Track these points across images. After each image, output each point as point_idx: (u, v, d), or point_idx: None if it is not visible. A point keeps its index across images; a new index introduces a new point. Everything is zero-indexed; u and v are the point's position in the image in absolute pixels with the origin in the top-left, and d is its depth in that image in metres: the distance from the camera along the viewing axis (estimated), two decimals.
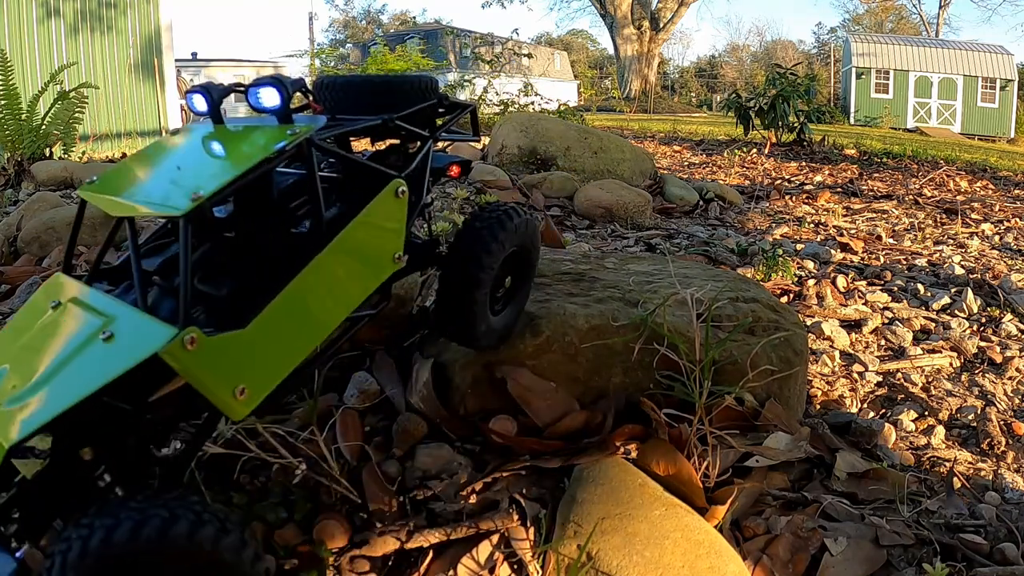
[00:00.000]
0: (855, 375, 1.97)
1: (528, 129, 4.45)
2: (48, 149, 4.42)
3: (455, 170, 1.31)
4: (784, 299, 2.50)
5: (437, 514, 1.18)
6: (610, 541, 1.10)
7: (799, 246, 3.36)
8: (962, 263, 3.09)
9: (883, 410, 1.82)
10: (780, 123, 8.47)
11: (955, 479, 1.45)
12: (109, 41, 8.55)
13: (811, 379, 1.87)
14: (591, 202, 3.58)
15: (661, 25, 27.60)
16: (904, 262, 3.17)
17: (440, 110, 1.27)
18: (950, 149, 10.76)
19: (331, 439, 1.26)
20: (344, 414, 1.33)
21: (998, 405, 1.85)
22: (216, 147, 1.01)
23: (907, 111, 22.68)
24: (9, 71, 4.24)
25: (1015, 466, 1.57)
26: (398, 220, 1.08)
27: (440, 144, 1.32)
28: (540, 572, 1.11)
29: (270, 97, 0.99)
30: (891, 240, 3.70)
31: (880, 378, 1.96)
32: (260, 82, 0.99)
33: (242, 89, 1.03)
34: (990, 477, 1.51)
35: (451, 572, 1.09)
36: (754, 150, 7.63)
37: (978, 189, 6.09)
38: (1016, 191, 6.07)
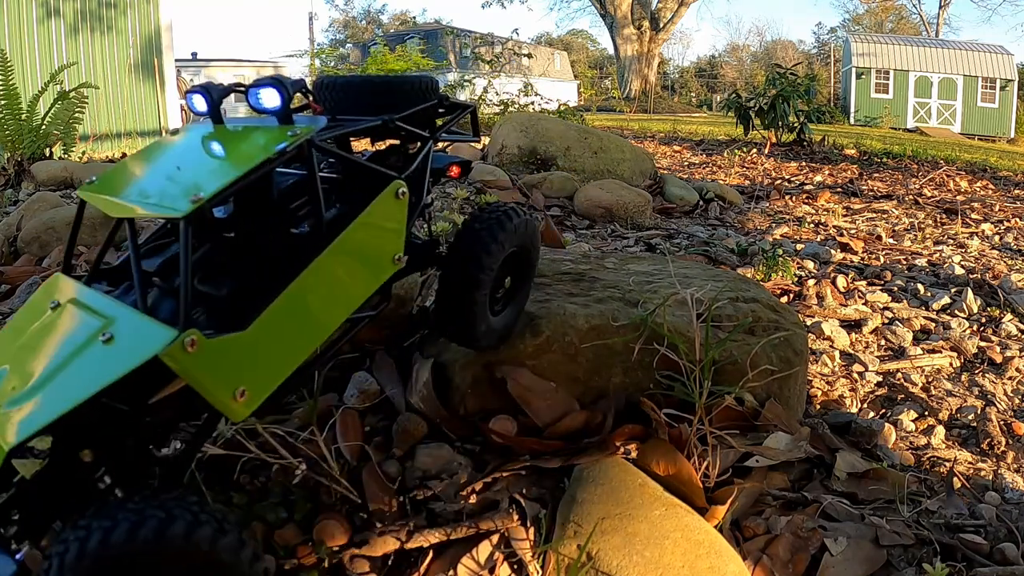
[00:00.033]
0: (855, 375, 1.97)
1: (528, 129, 4.45)
2: (48, 149, 4.42)
3: (455, 170, 1.31)
4: (784, 299, 2.50)
5: (437, 514, 1.18)
6: (610, 541, 1.10)
7: (799, 246, 3.36)
8: (962, 263, 3.09)
9: (883, 410, 1.82)
10: (780, 123, 8.47)
11: (955, 479, 1.45)
12: (109, 41, 8.55)
13: (811, 379, 1.87)
14: (591, 202, 3.58)
15: (661, 25, 27.60)
16: (904, 262, 3.17)
17: (440, 111, 1.27)
18: (950, 149, 10.76)
19: (331, 439, 1.26)
20: (344, 414, 1.33)
21: (998, 405, 1.85)
22: (216, 148, 1.01)
23: (907, 111, 22.68)
24: (9, 71, 4.24)
25: (1015, 466, 1.57)
26: (398, 221, 1.08)
27: (440, 144, 1.32)
28: (540, 572, 1.11)
29: (270, 98, 0.99)
30: (891, 240, 3.70)
31: (880, 378, 1.96)
32: (260, 83, 0.99)
33: (242, 89, 1.03)
34: (990, 477, 1.51)
35: (451, 572, 1.09)
36: (754, 150, 7.63)
37: (978, 189, 6.09)
38: (1016, 191, 6.07)
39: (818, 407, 1.74)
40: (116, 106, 8.54)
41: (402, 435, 1.32)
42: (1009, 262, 3.22)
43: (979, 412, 1.80)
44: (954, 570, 1.17)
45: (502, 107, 9.24)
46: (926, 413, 1.80)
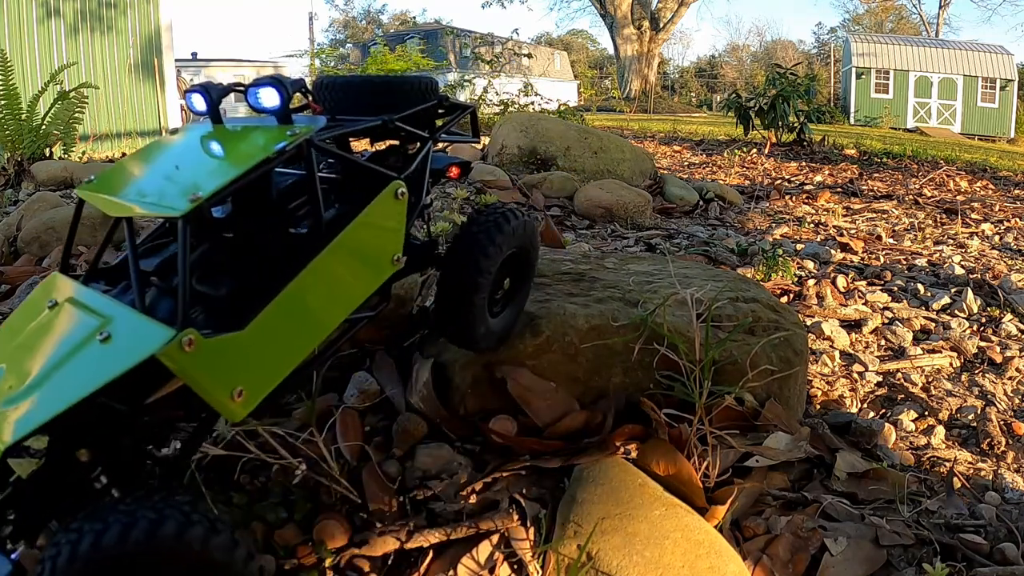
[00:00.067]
0: (855, 375, 1.97)
1: (528, 129, 4.45)
2: (48, 149, 4.42)
3: (454, 171, 1.31)
4: (784, 299, 2.50)
5: (437, 514, 1.18)
6: (610, 541, 1.10)
7: (799, 246, 3.36)
8: (962, 263, 3.09)
9: (883, 410, 1.82)
10: (780, 123, 8.47)
11: (955, 479, 1.45)
12: (109, 41, 8.55)
13: (811, 379, 1.87)
14: (591, 202, 3.58)
15: (661, 25, 27.60)
16: (904, 262, 3.17)
17: (440, 111, 1.27)
18: (950, 149, 10.76)
19: (331, 439, 1.26)
20: (344, 414, 1.33)
21: (998, 405, 1.85)
22: (215, 147, 1.01)
23: (907, 111, 22.68)
24: (9, 71, 4.24)
25: (1015, 466, 1.57)
26: (397, 221, 1.08)
27: (440, 144, 1.32)
28: (540, 572, 1.11)
29: (270, 97, 0.99)
30: (891, 240, 3.70)
31: (880, 378, 1.96)
32: (260, 82, 0.99)
33: (241, 89, 1.03)
34: (990, 477, 1.51)
35: (451, 572, 1.09)
36: (754, 150, 7.63)
37: (978, 189, 6.09)
38: (1016, 191, 6.07)
39: (818, 407, 1.74)
40: (116, 106, 8.54)
41: (402, 435, 1.32)
42: (1009, 262, 3.22)
43: (979, 412, 1.80)
44: (954, 570, 1.17)
45: (502, 107, 9.23)
46: (926, 413, 1.80)
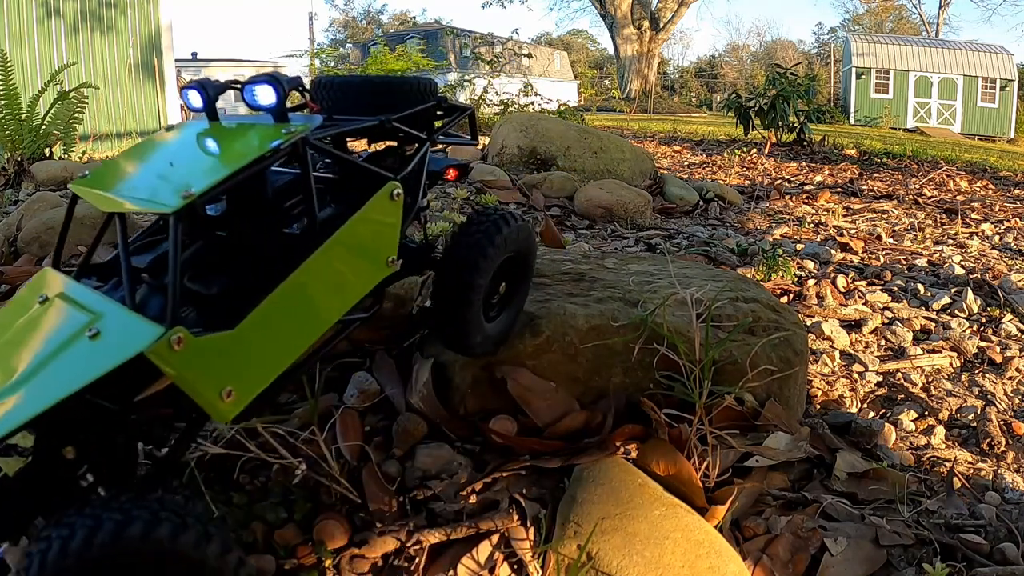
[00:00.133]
0: (855, 375, 1.97)
1: (528, 129, 4.45)
2: (48, 149, 4.42)
3: (452, 173, 1.30)
4: (784, 299, 2.50)
5: (437, 514, 1.18)
6: (610, 541, 1.10)
7: (799, 246, 3.36)
8: (962, 263, 3.09)
9: (883, 410, 1.82)
10: (780, 123, 8.47)
11: (955, 479, 1.45)
12: (109, 41, 8.55)
13: (811, 379, 1.87)
14: (591, 202, 3.58)
15: (661, 25, 27.60)
16: (904, 262, 3.17)
17: (438, 113, 1.27)
18: (950, 149, 10.76)
19: (331, 439, 1.26)
20: (344, 414, 1.33)
21: (998, 405, 1.85)
22: (210, 144, 1.00)
23: (907, 111, 22.68)
24: (9, 71, 4.24)
25: (1015, 466, 1.57)
26: (393, 223, 1.07)
27: (440, 147, 1.32)
28: (540, 572, 1.11)
29: (266, 95, 0.98)
30: (891, 240, 3.70)
31: (880, 378, 1.96)
32: (256, 79, 0.98)
33: (238, 86, 1.02)
34: (990, 477, 1.51)
35: (451, 572, 1.09)
36: (754, 150, 7.63)
37: (978, 189, 6.09)
38: (1016, 191, 6.07)
39: (818, 407, 1.74)
40: (116, 106, 8.54)
41: (402, 435, 1.32)
42: (1009, 262, 3.22)
43: (979, 412, 1.80)
44: (954, 570, 1.17)
45: (502, 107, 9.23)
46: (926, 413, 1.80)
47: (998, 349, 2.15)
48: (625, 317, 1.44)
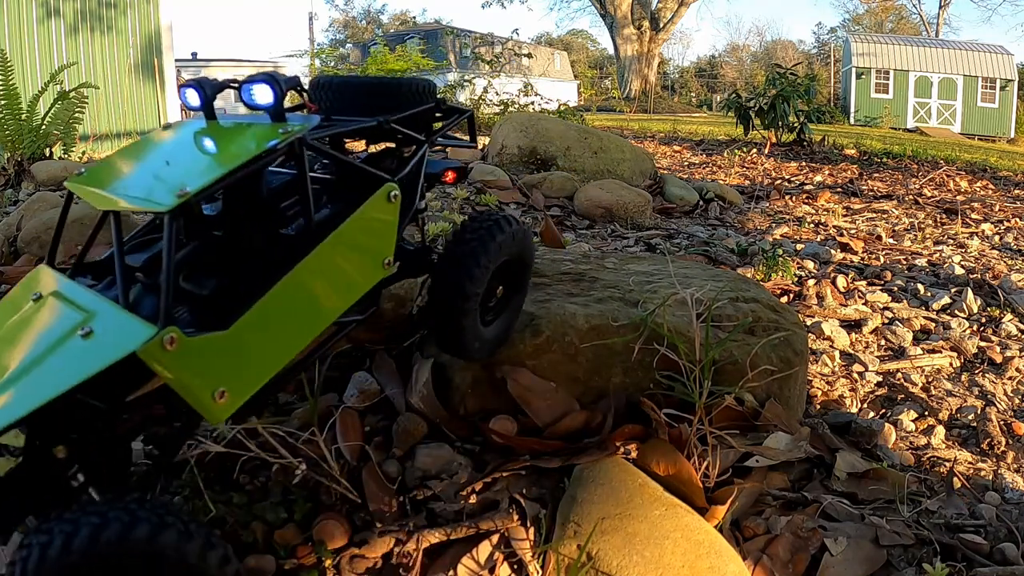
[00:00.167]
0: (855, 375, 1.97)
1: (528, 129, 4.45)
2: (48, 149, 4.42)
3: (451, 176, 1.29)
4: (784, 299, 2.50)
5: (437, 514, 1.18)
6: (610, 541, 1.10)
7: (799, 246, 3.36)
8: (962, 263, 3.09)
9: (883, 410, 1.82)
10: (780, 123, 8.47)
11: (955, 479, 1.45)
12: (109, 41, 8.55)
13: (811, 379, 1.87)
14: (591, 202, 3.58)
15: (661, 25, 27.60)
16: (904, 262, 3.17)
17: (437, 114, 1.26)
18: (950, 149, 10.75)
19: (331, 439, 1.26)
20: (344, 414, 1.33)
21: (998, 405, 1.85)
22: (206, 143, 1.00)
23: (907, 111, 22.68)
24: (9, 71, 4.23)
25: (1015, 466, 1.57)
26: (389, 224, 1.06)
27: (439, 149, 1.31)
28: (540, 572, 1.11)
29: (263, 94, 0.97)
30: (891, 240, 3.70)
31: (880, 378, 1.96)
32: (254, 79, 0.97)
33: (236, 85, 1.02)
34: (990, 477, 1.51)
35: (451, 572, 1.09)
36: (754, 150, 7.63)
37: (978, 189, 6.09)
38: (1016, 191, 6.07)
39: (818, 407, 1.74)
40: (116, 106, 8.54)
41: (402, 435, 1.32)
42: (1009, 262, 3.22)
43: (979, 412, 1.80)
44: (954, 570, 1.17)
45: (502, 107, 9.22)
46: (926, 413, 1.80)
47: (998, 349, 2.15)
48: (625, 317, 1.44)
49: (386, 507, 1.18)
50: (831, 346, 2.14)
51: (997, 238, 3.85)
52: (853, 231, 3.84)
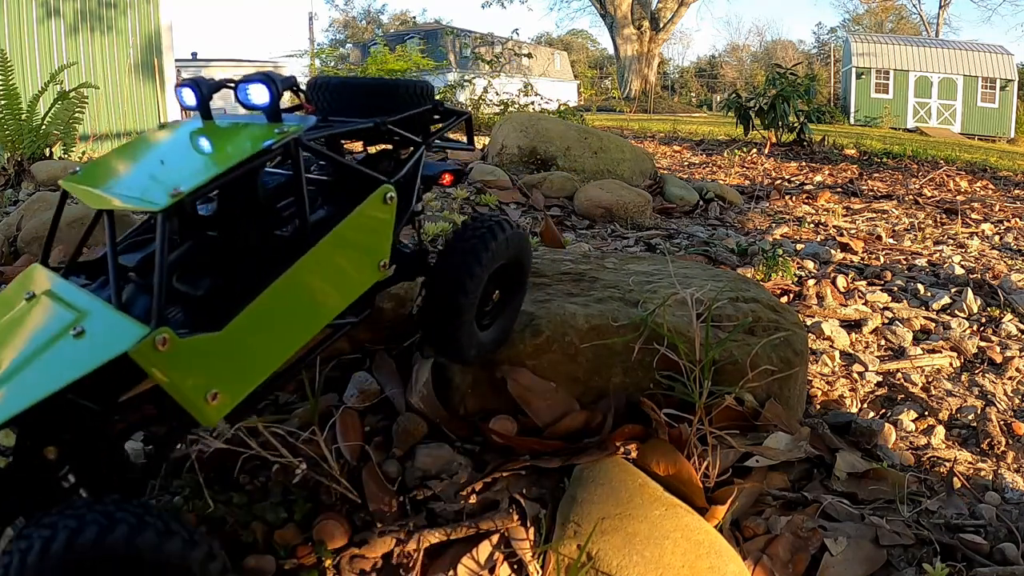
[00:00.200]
0: (855, 375, 1.97)
1: (528, 129, 4.45)
2: (48, 149, 4.42)
3: (448, 178, 1.29)
4: (784, 299, 2.50)
5: (437, 514, 1.18)
6: (610, 541, 1.10)
7: (799, 246, 3.36)
8: (962, 263, 3.09)
9: (883, 410, 1.82)
10: (780, 123, 8.47)
11: (955, 479, 1.46)
12: (109, 41, 8.55)
13: (811, 379, 1.87)
14: (591, 202, 3.58)
15: (661, 25, 27.60)
16: (904, 262, 3.17)
17: (435, 116, 1.25)
18: (950, 149, 10.75)
19: (331, 439, 1.26)
20: (344, 414, 1.33)
21: (998, 405, 1.85)
22: (202, 143, 0.99)
23: (907, 111, 22.67)
24: (9, 71, 4.23)
25: (1015, 466, 1.57)
26: (385, 226, 1.06)
27: (438, 152, 1.30)
28: (540, 572, 1.11)
29: (259, 94, 0.97)
30: (891, 240, 3.70)
31: (880, 378, 1.96)
32: (250, 78, 0.97)
33: (232, 85, 1.01)
34: (990, 477, 1.51)
35: (451, 572, 1.09)
36: (754, 150, 7.63)
37: (978, 189, 6.09)
38: (1016, 191, 6.07)
39: (818, 407, 1.74)
40: (116, 106, 8.54)
41: (402, 435, 1.32)
42: (1009, 262, 3.22)
43: (979, 412, 1.80)
44: (954, 570, 1.17)
45: (502, 107, 9.22)
46: (926, 413, 1.80)
47: (998, 349, 2.15)
48: (625, 317, 1.44)
49: (386, 507, 1.18)
50: (831, 346, 2.14)
51: (997, 238, 3.85)
52: (853, 231, 3.84)
